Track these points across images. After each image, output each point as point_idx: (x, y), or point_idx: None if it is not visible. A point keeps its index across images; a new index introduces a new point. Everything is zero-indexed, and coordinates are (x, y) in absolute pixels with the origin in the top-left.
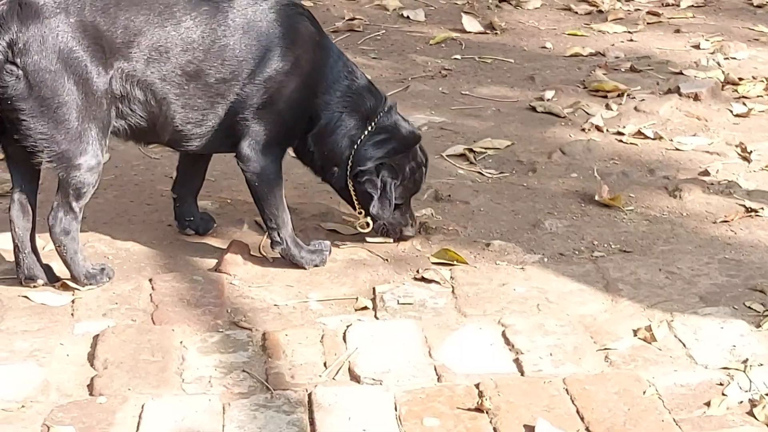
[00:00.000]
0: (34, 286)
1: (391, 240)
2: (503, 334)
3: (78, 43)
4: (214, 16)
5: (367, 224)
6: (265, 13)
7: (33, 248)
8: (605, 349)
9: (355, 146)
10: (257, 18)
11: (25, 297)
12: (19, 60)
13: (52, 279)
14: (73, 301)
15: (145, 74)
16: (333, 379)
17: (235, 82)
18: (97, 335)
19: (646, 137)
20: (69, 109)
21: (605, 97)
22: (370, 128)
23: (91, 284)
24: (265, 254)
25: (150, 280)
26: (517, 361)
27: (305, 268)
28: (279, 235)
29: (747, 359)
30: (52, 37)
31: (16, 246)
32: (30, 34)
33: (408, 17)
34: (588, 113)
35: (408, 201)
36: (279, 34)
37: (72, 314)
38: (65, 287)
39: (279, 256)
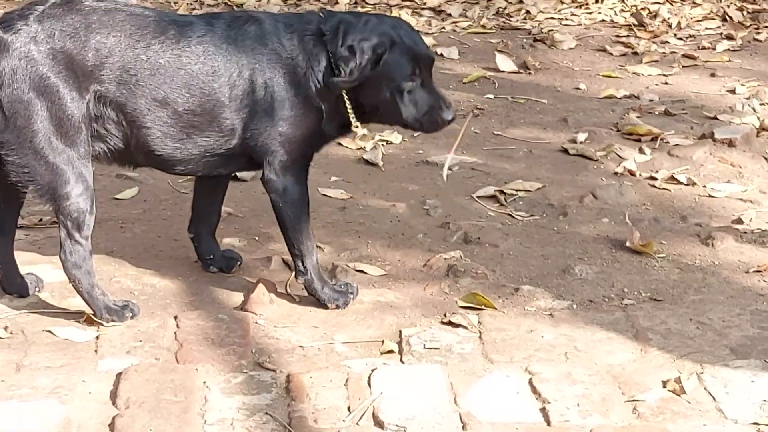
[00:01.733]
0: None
1: (434, 129)
2: (530, 382)
3: (49, 71)
4: (178, 42)
5: (364, 135)
6: (221, 34)
7: (12, 264)
8: (633, 400)
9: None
10: (216, 41)
11: (50, 332)
12: None
13: (26, 293)
14: (97, 337)
15: (117, 97)
16: (356, 424)
17: (214, 109)
18: (120, 373)
19: (679, 183)
20: (46, 138)
21: (639, 140)
22: (326, 37)
23: (113, 320)
24: (291, 293)
25: (175, 318)
26: (543, 410)
27: (327, 307)
28: (303, 263)
29: None
30: (21, 68)
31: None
32: (5, 65)
33: (442, 55)
34: (621, 157)
35: (427, 78)
36: (236, 60)
37: (96, 351)
38: (90, 322)
39: (305, 294)
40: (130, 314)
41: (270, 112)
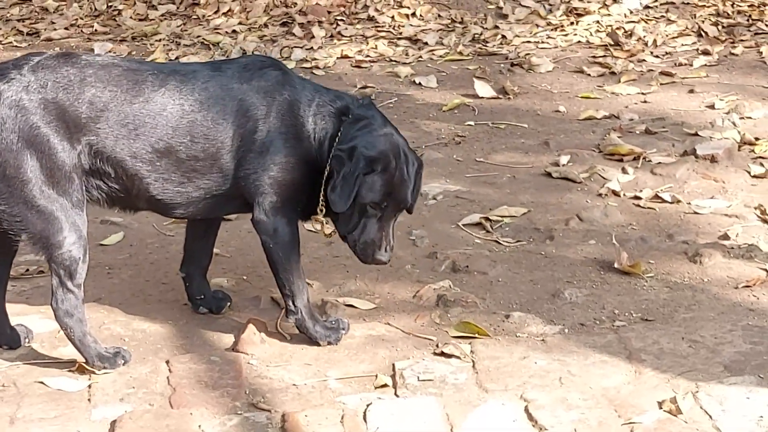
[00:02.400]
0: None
1: (363, 261)
2: (526, 409)
3: (40, 121)
4: (180, 92)
5: (330, 231)
6: (228, 81)
7: (2, 315)
8: (630, 423)
9: (336, 137)
10: (222, 88)
11: (42, 383)
12: None
13: (17, 344)
14: (89, 386)
15: (114, 149)
16: None
17: (217, 152)
18: (115, 421)
19: (664, 201)
20: (35, 187)
21: (621, 160)
22: (345, 119)
23: (105, 367)
24: (282, 332)
25: (167, 362)
26: None
27: (319, 344)
28: (294, 303)
29: None
30: (11, 117)
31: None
32: None
33: (420, 84)
34: (604, 178)
35: (389, 216)
36: (248, 98)
37: (89, 399)
38: (82, 370)
39: (296, 332)
40: (122, 361)
41: (264, 155)
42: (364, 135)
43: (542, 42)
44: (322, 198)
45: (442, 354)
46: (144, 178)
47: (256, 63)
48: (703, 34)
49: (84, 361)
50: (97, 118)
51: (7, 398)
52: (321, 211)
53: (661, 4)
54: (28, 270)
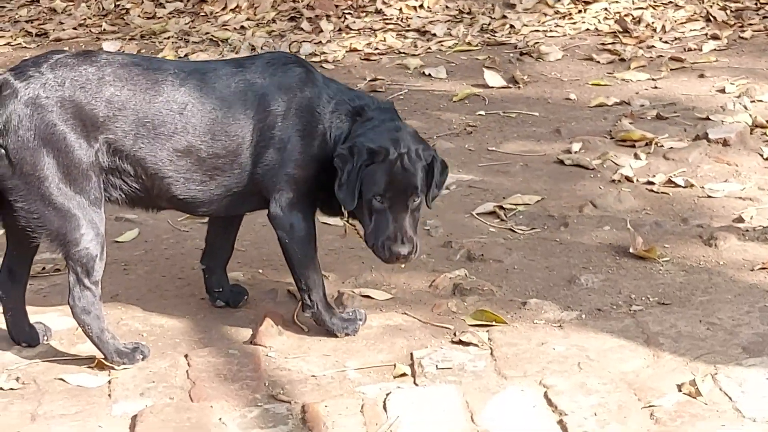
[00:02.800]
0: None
1: (384, 259)
2: (545, 395)
3: (57, 118)
4: (201, 90)
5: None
6: (251, 76)
7: (22, 313)
8: (650, 406)
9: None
10: (244, 83)
11: (62, 380)
12: (0, 140)
13: (35, 342)
14: (109, 382)
15: (133, 149)
16: None
17: (237, 148)
18: (136, 416)
19: (677, 185)
20: (53, 184)
21: (633, 146)
22: (359, 119)
23: (124, 362)
24: (300, 324)
25: (186, 356)
26: (561, 422)
27: (336, 336)
28: (310, 297)
29: None
30: (28, 115)
31: (4, 311)
32: (7, 113)
33: (430, 75)
34: (617, 164)
35: (399, 208)
36: (269, 94)
37: (109, 395)
38: (101, 366)
39: (313, 323)
40: (141, 356)
41: (282, 152)
42: (368, 132)
43: (551, 30)
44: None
45: (460, 342)
46: (164, 178)
47: (280, 59)
48: (712, 18)
49: (103, 357)
50: (115, 117)
51: (28, 395)
52: (344, 213)
53: None
54: (44, 268)
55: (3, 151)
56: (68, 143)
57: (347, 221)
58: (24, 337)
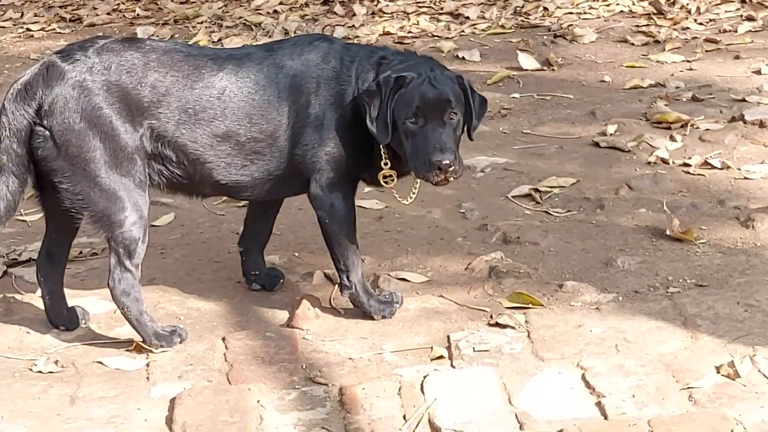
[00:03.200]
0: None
1: (429, 179)
2: (583, 377)
3: (103, 102)
4: (236, 75)
5: (385, 178)
6: (281, 59)
7: (60, 296)
8: (689, 387)
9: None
10: (275, 67)
11: (100, 363)
12: (45, 121)
13: (74, 325)
14: (147, 365)
15: (175, 134)
16: None
17: (275, 131)
18: (174, 398)
19: (713, 167)
20: (98, 166)
21: (669, 128)
22: (383, 63)
23: (162, 345)
24: (336, 307)
25: (223, 339)
26: (599, 404)
27: (374, 318)
28: (348, 278)
29: None
30: (74, 98)
31: (43, 294)
32: (54, 95)
33: (463, 58)
34: (652, 146)
35: (434, 126)
36: (299, 73)
37: (147, 378)
38: (139, 349)
39: (350, 306)
40: (179, 339)
41: (320, 130)
42: (393, 67)
43: (584, 13)
44: (383, 149)
45: (497, 324)
46: (206, 163)
47: (305, 39)
48: (746, 0)
49: (141, 340)
50: (159, 103)
51: (67, 378)
52: (386, 164)
53: None
54: (81, 252)
55: (48, 132)
56: (114, 127)
57: (389, 183)
58: (62, 320)
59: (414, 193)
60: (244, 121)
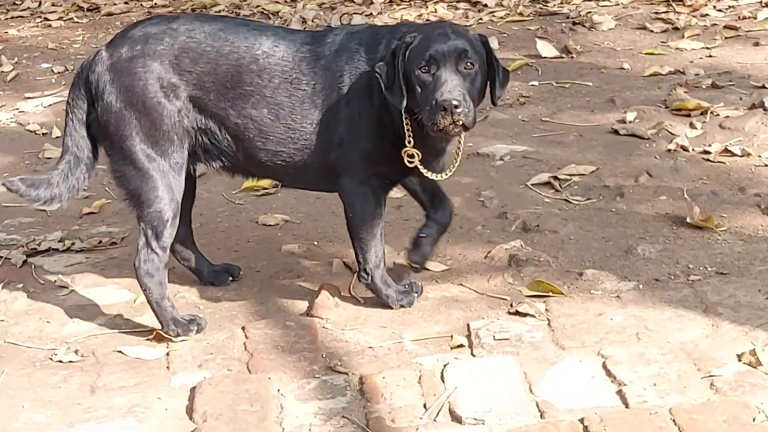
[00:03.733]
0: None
1: (436, 128)
2: (604, 365)
3: (136, 81)
4: (277, 56)
5: (410, 157)
6: (325, 44)
7: (200, 257)
8: (710, 376)
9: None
10: (309, 56)
11: (120, 352)
12: (95, 105)
13: (224, 281)
14: (168, 354)
15: (218, 112)
16: (434, 420)
17: (320, 120)
18: (194, 387)
19: (734, 155)
20: (134, 143)
21: (688, 115)
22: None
23: (178, 333)
24: (356, 296)
25: (243, 329)
26: (620, 392)
27: (392, 308)
28: (366, 269)
29: None
30: (110, 80)
31: (183, 260)
32: (96, 79)
33: None
34: (672, 133)
35: (444, 73)
36: (336, 74)
37: (168, 367)
38: (159, 338)
39: (370, 295)
40: (196, 328)
41: (352, 126)
42: (406, 36)
43: (603, 0)
44: (406, 122)
45: (517, 313)
46: (245, 141)
47: (349, 30)
48: None
49: (159, 325)
50: (196, 79)
51: (87, 368)
52: (410, 142)
53: None
54: (101, 242)
55: (95, 114)
56: (152, 105)
57: (413, 163)
58: (212, 278)
59: (453, 168)
60: (282, 106)
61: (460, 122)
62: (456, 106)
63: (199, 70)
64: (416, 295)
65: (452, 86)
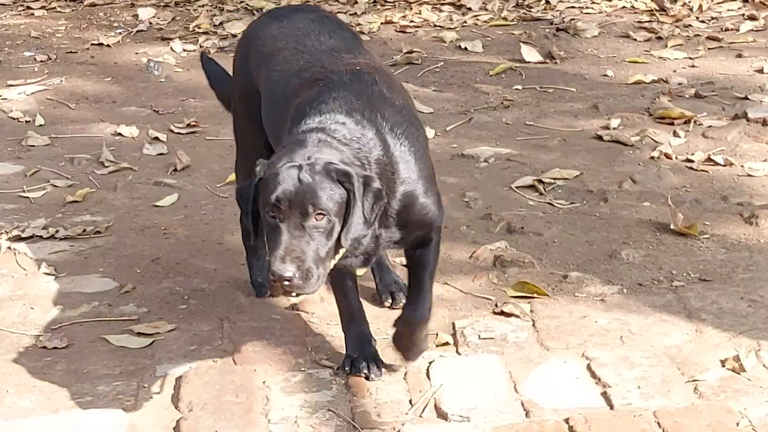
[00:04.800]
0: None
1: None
2: (588, 367)
3: (239, 54)
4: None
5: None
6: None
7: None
8: (694, 380)
9: None
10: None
11: (105, 339)
12: None
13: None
14: (152, 344)
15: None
16: (420, 416)
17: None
18: (180, 377)
19: (717, 164)
20: (236, 107)
21: (672, 123)
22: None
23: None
24: None
25: (228, 320)
26: (605, 394)
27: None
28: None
29: None
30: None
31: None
32: None
33: (466, 48)
34: (655, 141)
35: (294, 225)
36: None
37: (152, 356)
38: (144, 328)
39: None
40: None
41: None
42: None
43: (587, 7)
44: None
45: (502, 313)
46: None
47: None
48: None
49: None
50: (269, 57)
51: (71, 355)
52: None
53: None
54: (85, 230)
55: None
56: (241, 74)
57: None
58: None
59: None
60: None
61: (294, 294)
62: (287, 281)
63: (273, 48)
64: (402, 294)
65: (288, 250)
